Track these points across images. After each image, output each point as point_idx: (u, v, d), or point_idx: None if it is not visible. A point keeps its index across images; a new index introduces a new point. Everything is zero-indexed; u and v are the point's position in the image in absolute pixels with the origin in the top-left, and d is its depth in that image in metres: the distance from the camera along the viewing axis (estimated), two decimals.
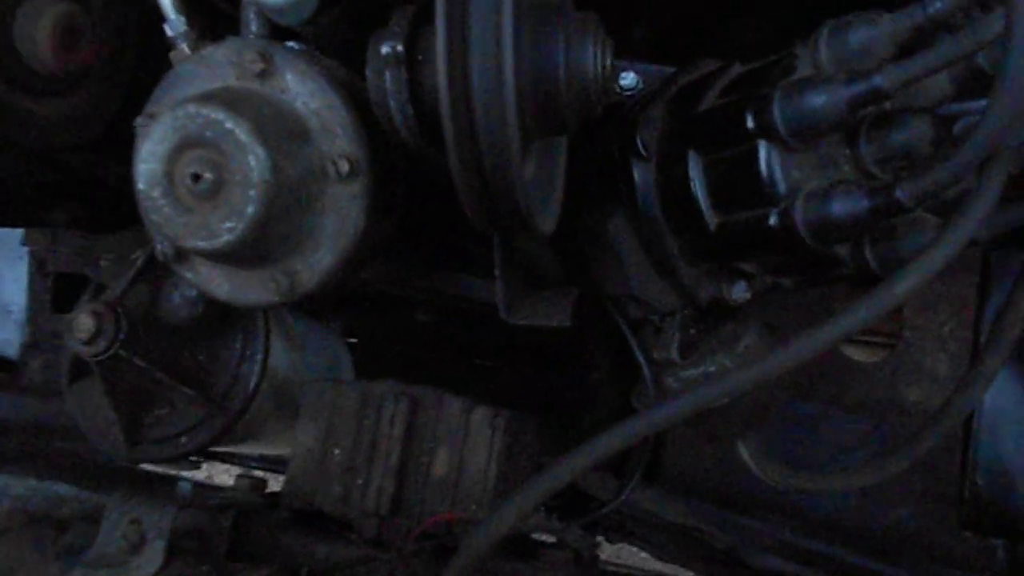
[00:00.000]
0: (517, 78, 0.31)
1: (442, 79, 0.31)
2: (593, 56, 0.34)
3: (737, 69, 0.43)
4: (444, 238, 0.45)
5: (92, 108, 0.42)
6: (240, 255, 0.38)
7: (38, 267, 0.80)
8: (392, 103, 0.35)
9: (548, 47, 0.34)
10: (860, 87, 0.35)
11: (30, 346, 0.76)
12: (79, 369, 0.54)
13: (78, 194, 0.54)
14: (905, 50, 0.37)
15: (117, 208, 0.56)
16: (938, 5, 0.35)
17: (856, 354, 0.60)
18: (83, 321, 0.44)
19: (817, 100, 0.37)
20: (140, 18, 0.42)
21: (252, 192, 0.36)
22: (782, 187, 0.38)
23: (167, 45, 0.40)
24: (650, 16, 0.47)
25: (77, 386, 0.55)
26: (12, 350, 0.79)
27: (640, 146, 0.43)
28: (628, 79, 0.45)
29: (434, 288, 0.47)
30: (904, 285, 0.35)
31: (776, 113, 0.38)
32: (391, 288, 0.48)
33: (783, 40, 0.40)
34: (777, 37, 0.41)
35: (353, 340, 0.61)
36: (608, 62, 0.35)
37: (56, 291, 0.78)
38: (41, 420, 0.68)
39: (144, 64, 0.44)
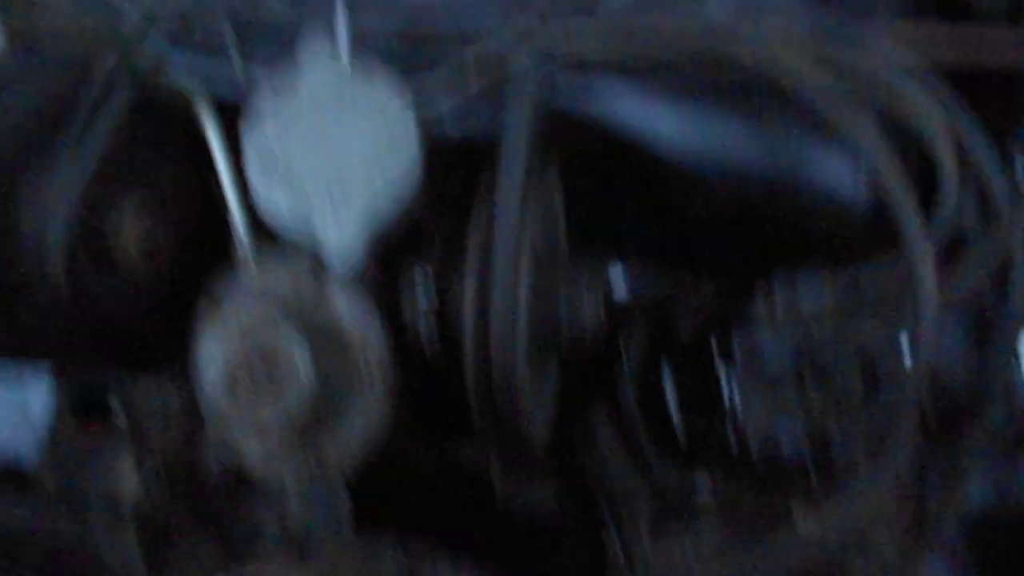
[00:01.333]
0: (529, 327, 0.40)
1: (468, 324, 0.39)
2: (590, 308, 0.43)
3: (709, 290, 0.52)
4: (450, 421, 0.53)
5: (163, 291, 0.50)
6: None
7: (61, 376, 0.86)
8: (422, 328, 0.43)
9: (552, 302, 0.42)
10: (799, 338, 0.44)
11: (50, 457, 0.81)
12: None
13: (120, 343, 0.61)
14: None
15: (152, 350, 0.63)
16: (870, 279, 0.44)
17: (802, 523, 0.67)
18: (130, 489, 0.50)
19: (766, 341, 0.45)
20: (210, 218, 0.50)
21: (300, 393, 0.43)
22: (739, 410, 0.46)
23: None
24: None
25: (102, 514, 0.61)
26: (31, 460, 0.84)
27: (623, 350, 0.51)
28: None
29: (437, 456, 0.55)
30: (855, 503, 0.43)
31: (735, 344, 0.46)
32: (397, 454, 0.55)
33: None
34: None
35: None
36: (600, 312, 0.43)
37: (79, 401, 0.84)
38: (59, 533, 0.73)
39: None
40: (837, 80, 0.42)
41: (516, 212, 0.39)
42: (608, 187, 0.50)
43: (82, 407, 0.84)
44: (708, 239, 0.51)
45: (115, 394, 0.74)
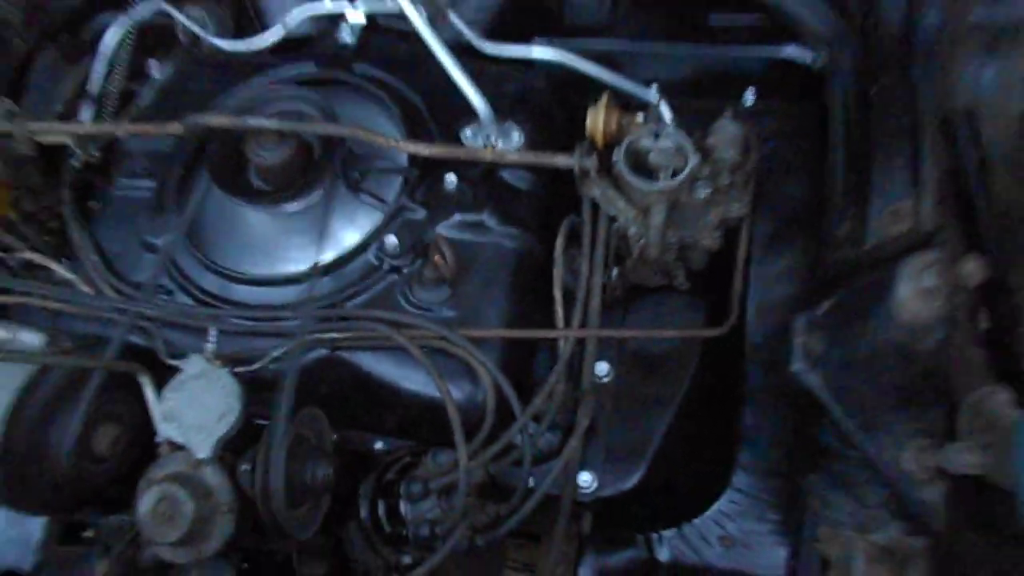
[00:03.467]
0: (286, 492, 0.87)
1: (258, 484, 0.87)
2: (323, 476, 0.90)
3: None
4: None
5: (121, 470, 0.97)
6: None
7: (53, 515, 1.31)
8: (247, 488, 0.90)
9: (302, 475, 0.91)
10: None
11: (43, 568, 1.24)
12: None
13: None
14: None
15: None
16: None
17: None
18: None
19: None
20: None
21: (185, 523, 0.89)
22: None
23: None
24: None
25: None
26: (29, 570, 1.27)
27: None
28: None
29: None
30: None
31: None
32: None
33: None
34: None
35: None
36: (329, 478, 0.91)
37: (64, 530, 1.28)
38: None
39: None
40: None
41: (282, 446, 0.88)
42: None
43: (65, 535, 1.29)
44: None
45: (92, 524, 1.19)
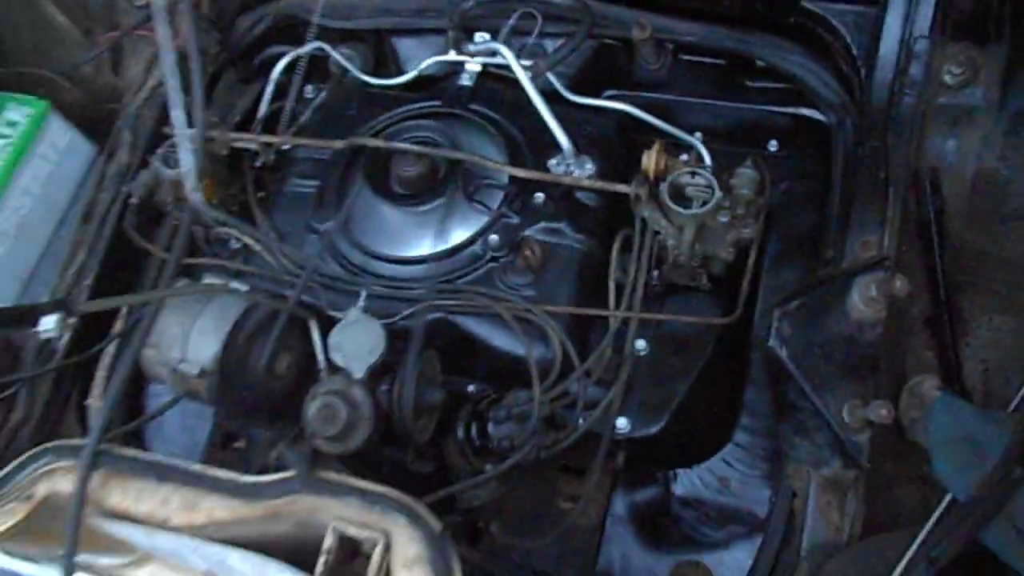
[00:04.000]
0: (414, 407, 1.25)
1: (395, 400, 1.24)
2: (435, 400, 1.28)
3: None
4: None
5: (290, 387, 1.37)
6: None
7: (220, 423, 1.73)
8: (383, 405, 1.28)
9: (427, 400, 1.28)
10: None
11: None
12: None
13: None
14: None
15: None
16: None
17: None
18: None
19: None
20: None
21: (339, 427, 1.28)
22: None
23: None
24: None
25: None
26: None
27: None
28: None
29: None
30: None
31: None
32: None
33: None
34: None
35: None
36: (440, 402, 1.28)
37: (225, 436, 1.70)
38: None
39: None
40: None
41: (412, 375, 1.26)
42: None
43: (223, 443, 1.70)
44: None
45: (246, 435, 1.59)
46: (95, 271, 1.59)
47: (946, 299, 1.34)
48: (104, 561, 1.18)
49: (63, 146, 1.66)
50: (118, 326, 1.60)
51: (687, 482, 1.46)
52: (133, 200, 1.57)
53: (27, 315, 1.13)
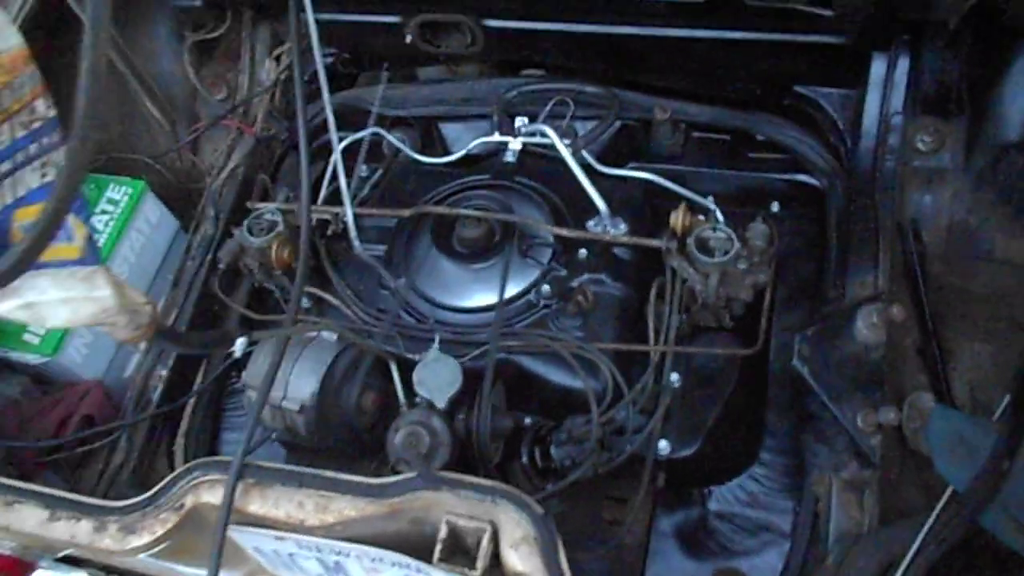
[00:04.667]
0: (491, 438, 1.45)
1: (473, 427, 1.45)
2: (505, 426, 1.48)
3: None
4: None
5: (375, 420, 1.57)
6: None
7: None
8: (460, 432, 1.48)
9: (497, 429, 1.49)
10: None
11: None
12: None
13: None
14: None
15: None
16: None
17: None
18: None
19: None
20: None
21: (422, 452, 1.48)
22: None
23: None
24: None
25: None
26: None
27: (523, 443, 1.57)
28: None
29: None
30: None
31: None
32: None
33: None
34: None
35: None
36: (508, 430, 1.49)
37: None
38: None
39: None
40: None
41: (488, 405, 1.47)
42: None
43: None
44: None
45: None
46: (185, 328, 1.80)
47: (933, 330, 1.58)
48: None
49: (155, 220, 1.88)
50: (199, 379, 1.80)
51: (720, 498, 1.65)
52: (221, 265, 1.79)
53: (224, 337, 1.34)
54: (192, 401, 1.82)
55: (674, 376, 1.63)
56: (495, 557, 1.14)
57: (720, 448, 1.62)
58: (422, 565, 1.16)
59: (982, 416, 1.51)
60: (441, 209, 1.69)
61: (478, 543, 1.14)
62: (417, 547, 1.18)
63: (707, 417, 1.60)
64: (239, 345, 1.27)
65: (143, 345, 1.79)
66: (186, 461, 1.76)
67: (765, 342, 1.61)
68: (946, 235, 1.61)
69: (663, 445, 1.56)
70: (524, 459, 1.56)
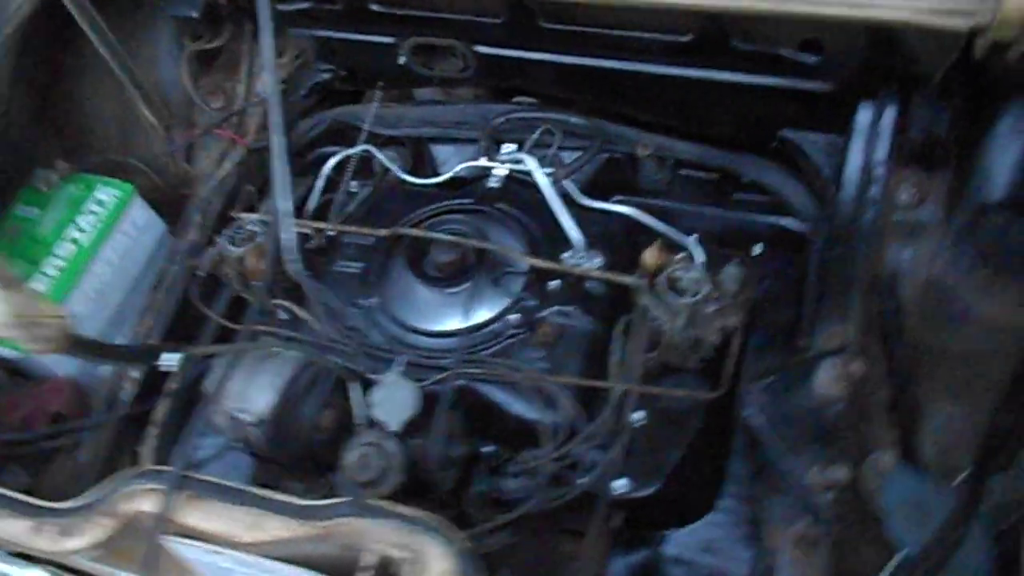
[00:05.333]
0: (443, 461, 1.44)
1: (426, 453, 1.44)
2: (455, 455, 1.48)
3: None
4: None
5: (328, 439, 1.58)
6: None
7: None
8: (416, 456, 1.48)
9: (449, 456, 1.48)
10: None
11: None
12: None
13: None
14: None
15: None
16: None
17: None
18: None
19: None
20: None
21: (373, 474, 1.47)
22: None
23: None
24: None
25: None
26: None
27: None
28: None
29: None
30: None
31: None
32: None
33: None
34: None
35: None
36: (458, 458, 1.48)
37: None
38: None
39: None
40: None
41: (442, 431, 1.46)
42: None
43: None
44: None
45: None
46: (161, 333, 1.81)
47: (904, 387, 1.54)
48: None
49: (141, 224, 1.91)
50: (171, 385, 1.81)
51: (676, 543, 1.63)
52: (200, 273, 1.81)
53: (150, 353, 1.35)
54: (165, 405, 1.83)
55: (639, 414, 1.61)
56: None
57: (681, 491, 1.60)
58: None
59: (948, 480, 1.48)
60: (415, 231, 1.70)
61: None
62: (348, 572, 1.18)
63: (670, 458, 1.58)
64: (164, 361, 1.28)
65: None
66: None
67: (731, 387, 1.59)
68: (923, 291, 1.58)
69: (622, 483, 1.54)
70: (478, 488, 1.55)
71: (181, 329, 1.85)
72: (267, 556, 1.19)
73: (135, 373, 1.78)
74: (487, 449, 1.63)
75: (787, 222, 1.83)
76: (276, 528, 1.17)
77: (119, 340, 1.84)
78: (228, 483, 1.21)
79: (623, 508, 1.60)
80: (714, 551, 1.60)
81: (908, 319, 1.60)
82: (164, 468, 1.23)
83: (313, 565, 1.20)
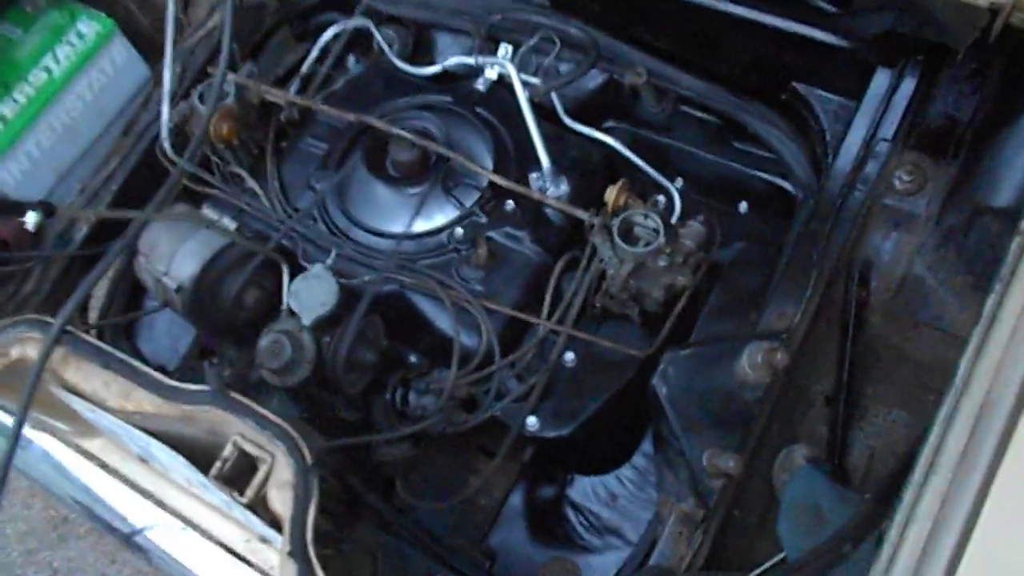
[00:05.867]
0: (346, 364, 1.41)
1: (331, 350, 1.41)
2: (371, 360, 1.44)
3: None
4: None
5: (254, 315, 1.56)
6: None
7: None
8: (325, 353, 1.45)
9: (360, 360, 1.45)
10: None
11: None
12: None
13: None
14: None
15: None
16: None
17: None
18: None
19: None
20: None
21: (284, 362, 1.46)
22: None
23: None
24: None
25: None
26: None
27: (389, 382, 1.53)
28: None
29: None
30: None
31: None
32: None
33: None
34: None
35: None
36: (376, 360, 1.45)
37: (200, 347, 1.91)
38: None
39: None
40: None
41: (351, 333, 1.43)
42: None
43: (200, 353, 1.90)
44: None
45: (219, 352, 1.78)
46: (123, 177, 1.79)
47: (849, 383, 1.44)
48: (59, 425, 1.38)
49: (121, 64, 1.86)
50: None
51: (581, 490, 1.60)
52: (168, 125, 1.76)
53: (14, 208, 1.33)
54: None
55: (569, 355, 1.55)
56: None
57: (593, 440, 1.55)
58: (204, 478, 1.15)
59: (853, 491, 1.39)
60: (380, 123, 1.61)
61: (257, 472, 1.12)
62: (213, 456, 1.17)
63: (588, 405, 1.53)
64: (30, 218, 1.25)
65: (79, 186, 1.80)
66: (101, 316, 1.79)
67: (662, 347, 1.51)
68: (896, 287, 1.45)
69: (532, 421, 1.50)
70: (387, 397, 1.52)
71: (145, 179, 1.82)
72: (136, 425, 1.18)
73: (90, 215, 1.77)
74: (412, 358, 1.59)
75: (782, 183, 1.69)
76: (142, 401, 1.16)
77: (84, 179, 1.82)
78: (104, 346, 1.20)
79: (532, 444, 1.57)
80: (616, 507, 1.56)
81: (873, 314, 1.48)
82: (46, 319, 1.23)
83: (186, 443, 1.20)
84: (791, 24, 1.49)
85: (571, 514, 1.59)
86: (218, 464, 1.13)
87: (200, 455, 1.17)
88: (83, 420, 1.33)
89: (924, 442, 0.89)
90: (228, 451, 1.14)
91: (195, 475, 1.16)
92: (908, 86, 1.42)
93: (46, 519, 2.47)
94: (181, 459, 1.17)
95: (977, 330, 0.91)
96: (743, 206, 1.70)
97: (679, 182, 1.72)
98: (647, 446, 1.58)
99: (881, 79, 1.44)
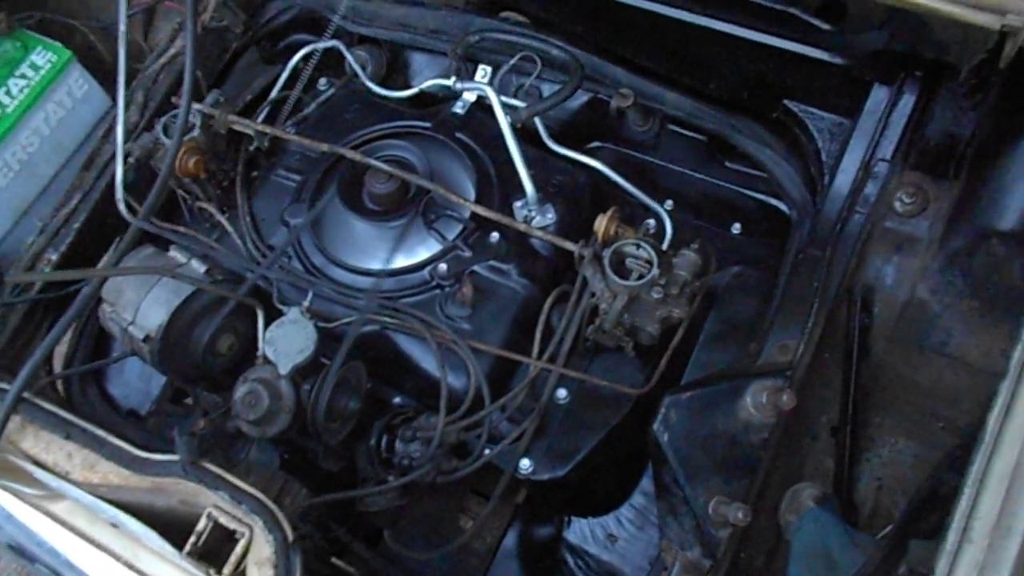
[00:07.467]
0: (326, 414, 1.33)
1: (312, 399, 1.34)
2: (350, 409, 1.37)
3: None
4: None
5: (229, 364, 1.47)
6: None
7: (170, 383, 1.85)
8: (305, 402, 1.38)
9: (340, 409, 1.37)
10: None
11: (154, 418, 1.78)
12: None
13: None
14: None
15: None
16: None
17: None
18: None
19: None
20: None
21: (261, 413, 1.37)
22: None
23: None
24: None
25: None
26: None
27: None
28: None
29: None
30: None
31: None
32: None
33: None
34: None
35: None
36: (355, 411, 1.37)
37: (174, 391, 1.82)
38: None
39: None
40: None
41: (332, 380, 1.35)
42: None
43: (174, 397, 1.81)
44: None
45: (194, 395, 1.70)
46: (86, 215, 1.70)
47: (854, 413, 1.38)
48: (25, 489, 1.29)
49: (79, 95, 1.77)
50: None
51: (578, 531, 1.53)
52: (131, 159, 1.67)
53: None
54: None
55: (562, 392, 1.48)
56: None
57: (591, 481, 1.49)
58: (177, 554, 1.07)
59: (877, 525, 1.34)
60: (354, 154, 1.53)
61: (235, 546, 1.04)
62: (187, 528, 1.09)
63: (584, 444, 1.46)
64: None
65: (39, 224, 1.70)
66: (66, 363, 1.70)
67: (671, 381, 1.44)
68: (900, 313, 1.39)
69: (525, 464, 1.43)
70: (372, 443, 1.45)
71: (105, 214, 1.73)
72: (103, 498, 1.10)
73: (52, 256, 1.68)
74: (397, 400, 1.52)
75: (776, 203, 1.63)
76: (108, 473, 1.08)
77: (44, 217, 1.73)
78: (65, 415, 1.12)
79: (527, 487, 1.50)
80: (615, 548, 1.50)
81: (877, 341, 1.42)
82: (5, 386, 1.14)
83: (156, 516, 1.11)
84: (783, 42, 1.43)
85: (568, 557, 1.52)
86: (192, 539, 1.05)
87: (173, 526, 1.10)
88: (44, 485, 1.24)
89: (955, 505, 0.83)
90: (203, 524, 1.06)
91: (169, 549, 1.09)
92: (907, 103, 1.36)
93: None
94: (154, 533, 1.09)
95: (1005, 385, 0.85)
96: (736, 227, 1.64)
97: (669, 204, 1.65)
98: (646, 483, 1.51)
99: (878, 96, 1.38)
